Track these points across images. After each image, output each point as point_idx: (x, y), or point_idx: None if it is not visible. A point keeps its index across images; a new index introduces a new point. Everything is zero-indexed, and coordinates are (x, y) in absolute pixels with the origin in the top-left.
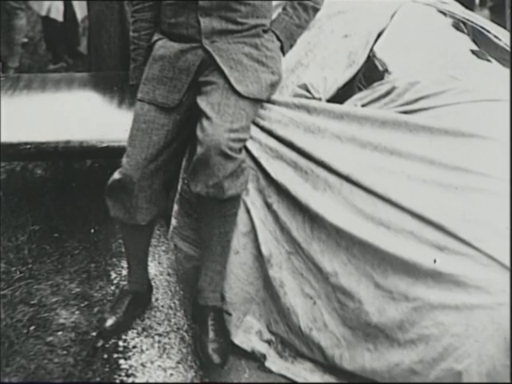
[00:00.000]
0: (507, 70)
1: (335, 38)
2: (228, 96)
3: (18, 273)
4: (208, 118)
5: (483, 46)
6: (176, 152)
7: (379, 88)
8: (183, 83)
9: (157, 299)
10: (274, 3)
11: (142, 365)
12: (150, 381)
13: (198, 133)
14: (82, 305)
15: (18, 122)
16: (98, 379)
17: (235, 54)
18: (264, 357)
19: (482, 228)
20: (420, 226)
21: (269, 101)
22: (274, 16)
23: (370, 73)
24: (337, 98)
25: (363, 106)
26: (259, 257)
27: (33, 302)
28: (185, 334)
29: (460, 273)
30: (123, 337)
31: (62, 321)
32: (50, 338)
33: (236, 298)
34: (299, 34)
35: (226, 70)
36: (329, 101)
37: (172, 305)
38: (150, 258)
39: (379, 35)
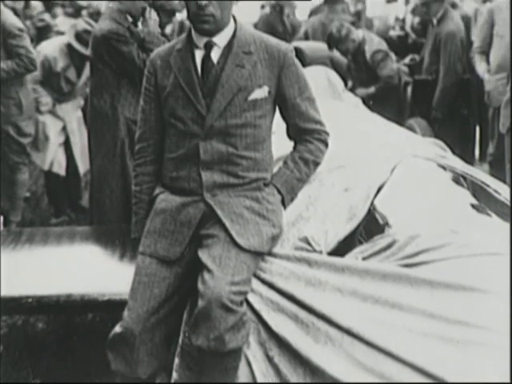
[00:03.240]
0: (507, 225)
1: (336, 191)
2: (229, 249)
3: None
4: (209, 270)
5: (483, 200)
6: (177, 305)
7: (380, 241)
8: (185, 236)
9: None
10: (274, 157)
11: None
12: None
13: (199, 285)
14: None
15: (19, 276)
16: None
17: (236, 208)
18: None
19: (483, 382)
20: (421, 379)
21: (270, 253)
22: (275, 170)
23: (370, 226)
24: (338, 251)
25: (364, 259)
26: None
27: None
28: None
29: None
30: None
31: None
32: None
33: None
34: (300, 188)
35: (227, 224)
36: (330, 254)
37: None
38: None
39: (379, 189)
